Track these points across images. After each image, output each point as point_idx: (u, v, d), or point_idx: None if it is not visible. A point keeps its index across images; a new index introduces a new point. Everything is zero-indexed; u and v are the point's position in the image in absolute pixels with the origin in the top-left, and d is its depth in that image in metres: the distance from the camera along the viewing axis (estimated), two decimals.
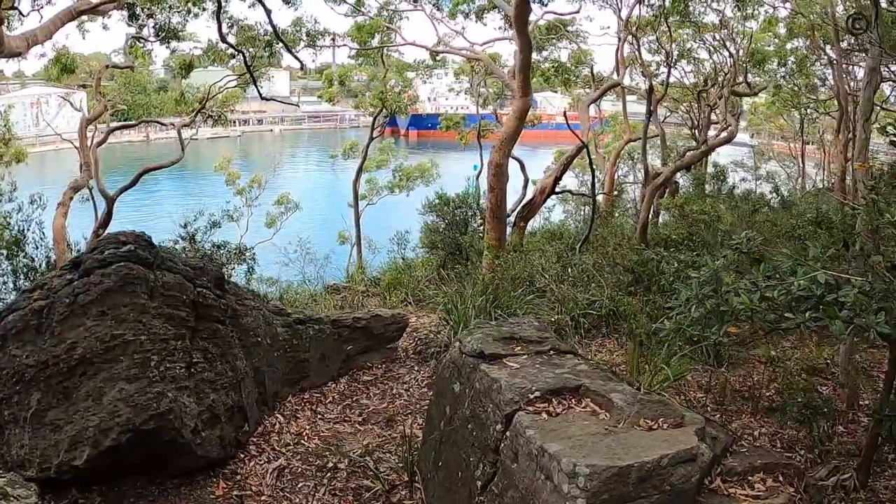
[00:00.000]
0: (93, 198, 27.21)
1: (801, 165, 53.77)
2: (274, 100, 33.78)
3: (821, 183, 54.10)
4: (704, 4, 31.47)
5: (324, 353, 10.35)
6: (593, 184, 22.63)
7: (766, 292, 5.99)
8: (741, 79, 33.51)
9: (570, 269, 15.93)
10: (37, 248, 17.57)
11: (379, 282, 21.63)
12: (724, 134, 29.97)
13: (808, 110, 47.19)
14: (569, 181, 34.05)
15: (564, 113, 21.70)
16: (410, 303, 16.68)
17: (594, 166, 24.51)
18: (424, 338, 12.58)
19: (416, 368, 11.50)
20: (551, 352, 7.32)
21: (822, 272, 5.90)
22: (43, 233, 18.24)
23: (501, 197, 18.58)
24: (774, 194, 33.54)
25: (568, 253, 17.42)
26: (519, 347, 7.33)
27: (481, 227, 22.43)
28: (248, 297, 9.02)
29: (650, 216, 17.29)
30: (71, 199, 22.61)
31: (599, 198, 32.24)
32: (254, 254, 19.34)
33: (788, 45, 37.20)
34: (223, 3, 25.32)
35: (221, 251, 18.60)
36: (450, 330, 11.75)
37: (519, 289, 13.88)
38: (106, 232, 23.40)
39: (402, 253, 25.85)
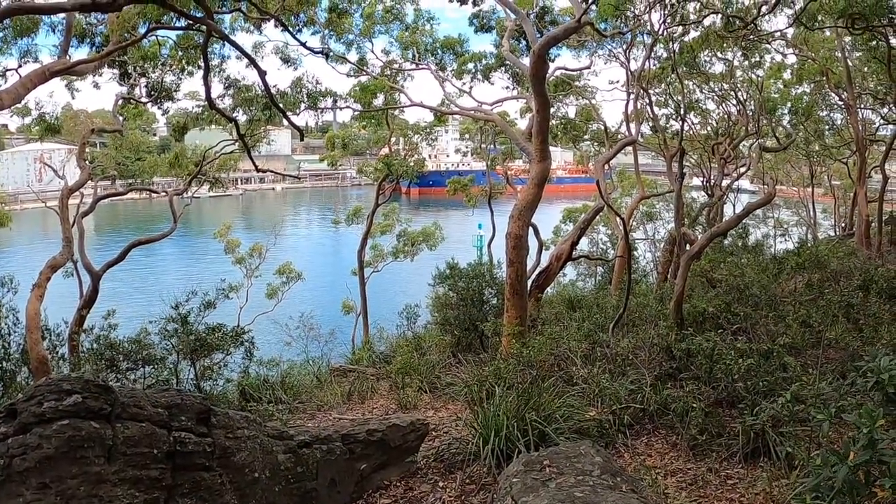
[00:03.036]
0: (77, 273, 25.55)
1: (811, 212, 52.85)
2: (271, 171, 32.55)
3: (831, 230, 53.23)
4: (711, 54, 30.83)
5: (334, 477, 8.76)
6: (629, 258, 21.24)
7: None
8: (753, 128, 32.55)
9: (599, 351, 14.55)
10: (9, 335, 16.24)
11: (388, 359, 20.32)
12: (744, 186, 28.84)
13: (819, 157, 46.58)
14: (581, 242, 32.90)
15: (598, 183, 20.38)
16: (426, 391, 15.30)
17: (627, 228, 23.13)
18: (447, 442, 10.98)
19: (440, 484, 9.84)
20: None
21: None
22: (17, 318, 16.94)
23: (521, 271, 17.36)
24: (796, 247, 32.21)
25: (597, 331, 15.94)
26: None
27: (496, 300, 21.12)
28: (242, 426, 7.46)
29: (684, 289, 15.83)
30: (48, 279, 20.95)
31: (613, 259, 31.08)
32: (252, 337, 17.88)
33: (795, 91, 36.58)
34: (219, 63, 24.43)
35: (216, 334, 17.18)
36: (478, 437, 10.16)
37: (549, 377, 12.46)
38: (90, 311, 22.18)
39: (412, 328, 24.47)
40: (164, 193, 33.51)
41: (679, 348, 13.17)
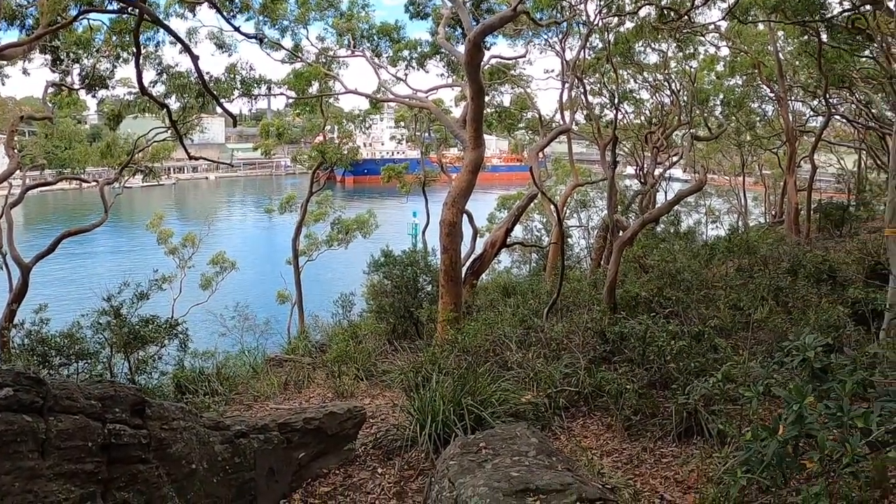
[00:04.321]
0: (6, 266, 24.87)
1: (742, 200, 54.08)
2: (204, 159, 32.02)
3: (762, 217, 54.55)
4: (645, 45, 31.27)
5: (272, 466, 8.71)
6: (562, 244, 21.46)
7: (858, 422, 4.75)
8: (685, 118, 33.18)
9: (533, 336, 14.71)
10: None
11: (324, 348, 20.23)
12: (676, 174, 29.41)
13: (750, 147, 47.65)
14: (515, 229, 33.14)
15: (531, 169, 20.49)
16: (362, 379, 15.30)
17: (559, 214, 23.37)
18: (385, 429, 11.02)
19: (379, 471, 9.86)
20: None
21: None
22: None
23: (456, 258, 17.41)
24: (727, 234, 32.92)
25: (532, 317, 16.12)
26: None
27: (431, 287, 21.18)
28: (177, 417, 7.36)
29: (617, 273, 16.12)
30: None
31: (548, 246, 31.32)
32: (186, 328, 17.61)
33: (727, 83, 37.42)
34: (154, 49, 23.94)
35: (150, 326, 16.88)
36: (415, 422, 10.23)
37: (484, 363, 12.57)
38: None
39: (347, 317, 24.38)
40: (94, 183, 32.74)
41: (612, 332, 13.38)
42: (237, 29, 21.02)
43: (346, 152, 38.86)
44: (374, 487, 9.34)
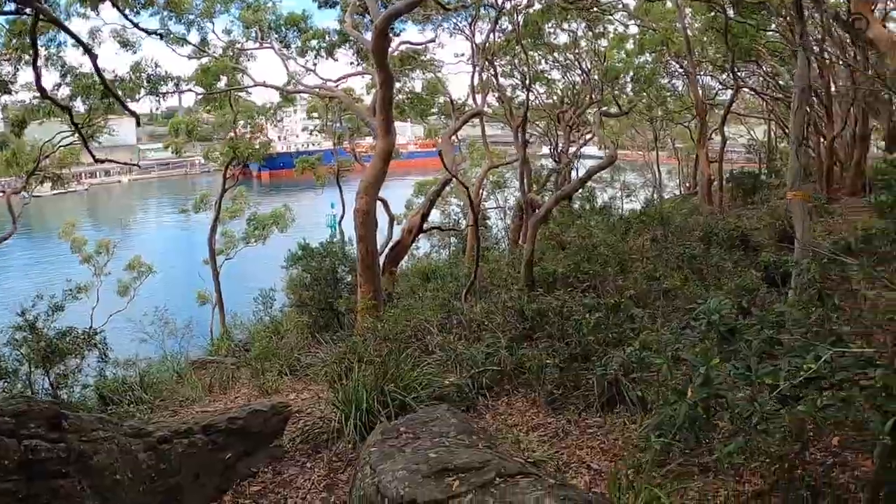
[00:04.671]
0: None
1: (656, 174, 55.06)
2: (111, 161, 31.21)
3: (677, 189, 55.72)
4: (555, 26, 31.57)
5: (198, 471, 8.63)
6: (474, 225, 21.62)
7: (767, 379, 4.96)
8: (597, 96, 33.68)
9: (454, 318, 14.88)
10: None
11: (248, 346, 20.05)
12: (589, 152, 29.88)
13: (661, 121, 48.52)
14: (431, 214, 33.20)
15: (440, 153, 20.57)
16: (286, 374, 15.25)
17: (471, 196, 23.54)
18: (311, 422, 11.02)
19: (308, 465, 9.84)
20: (497, 480, 5.94)
21: (824, 347, 5.03)
22: None
23: (371, 246, 17.44)
24: (642, 207, 33.63)
25: (452, 300, 16.29)
26: (457, 482, 5.89)
27: (351, 278, 21.18)
28: (96, 427, 7.27)
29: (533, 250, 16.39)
30: None
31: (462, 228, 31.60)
32: (105, 338, 17.29)
33: (638, 60, 38.02)
34: (57, 50, 23.26)
35: (68, 338, 16.53)
36: (340, 414, 10.28)
37: (408, 349, 12.68)
38: None
39: (269, 313, 24.18)
40: (0, 194, 31.74)
41: (530, 309, 13.60)
42: (136, 25, 20.66)
43: (258, 147, 38.39)
44: (304, 482, 9.34)
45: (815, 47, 29.83)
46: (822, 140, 34.66)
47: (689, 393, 5.39)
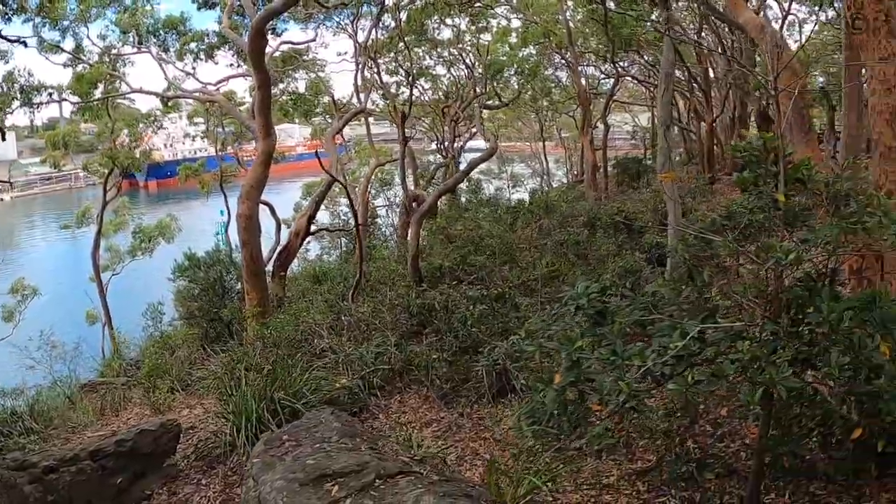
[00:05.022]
0: None
1: (544, 163, 55.82)
2: None
3: (564, 178, 56.68)
4: (439, 21, 31.60)
5: (89, 498, 8.25)
6: (357, 225, 21.41)
7: (634, 360, 4.94)
8: (480, 90, 33.89)
9: (344, 320, 14.69)
10: None
11: (139, 364, 19.39)
12: (470, 146, 30.05)
13: (546, 112, 49.20)
14: (320, 216, 32.81)
15: (317, 153, 20.31)
16: (178, 391, 14.66)
17: (350, 196, 23.30)
18: (205, 437, 10.67)
19: (203, 482, 9.50)
20: (377, 482, 5.82)
21: (690, 323, 5.12)
22: None
23: (256, 252, 17.09)
24: (528, 196, 34.06)
25: (340, 301, 16.09)
26: (336, 487, 5.75)
27: (239, 285, 20.73)
28: None
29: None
30: None
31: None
32: None
33: (522, 53, 38.44)
34: None
35: None
36: (231, 426, 9.98)
37: (297, 353, 12.43)
38: None
39: (158, 328, 23.42)
40: None
41: (415, 305, 13.54)
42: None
43: (138, 156, 37.24)
44: (200, 500, 9.06)
45: (693, 35, 30.79)
46: (702, 124, 35.74)
47: (556, 378, 5.33)
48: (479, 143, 55.36)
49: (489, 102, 35.58)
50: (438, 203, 29.71)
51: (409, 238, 19.70)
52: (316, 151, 20.40)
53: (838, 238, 5.06)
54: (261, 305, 16.84)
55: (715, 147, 35.71)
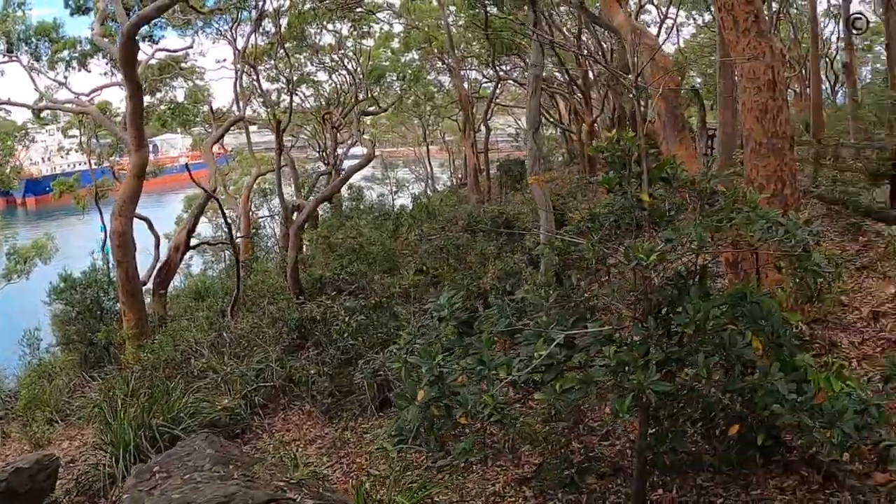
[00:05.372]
0: None
1: (428, 168, 55.88)
2: None
3: (449, 181, 56.92)
4: (321, 27, 31.19)
5: None
6: (231, 237, 20.87)
7: (501, 371, 4.78)
8: (362, 96, 33.64)
9: (226, 336, 14.26)
10: None
11: (18, 396, 18.34)
12: (352, 153, 29.79)
13: (429, 117, 49.31)
14: (203, 228, 31.95)
15: (187, 166, 19.66)
16: (58, 422, 13.95)
17: (224, 209, 22.64)
18: (85, 471, 10.08)
19: None
20: None
21: (556, 329, 5.05)
22: None
23: (132, 270, 16.46)
24: (412, 203, 33.98)
25: (220, 318, 15.61)
26: None
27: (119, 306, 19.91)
28: None
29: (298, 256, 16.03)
30: None
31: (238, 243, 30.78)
32: None
33: (405, 58, 38.36)
34: None
35: None
36: (111, 457, 9.45)
37: (177, 376, 11.96)
38: None
39: (36, 355, 22.19)
40: None
41: (292, 319, 13.25)
42: None
43: (7, 172, 35.48)
44: None
45: (573, 38, 31.28)
46: (583, 125, 36.30)
47: (419, 395, 5.15)
48: (362, 149, 55.13)
49: (368, 108, 35.33)
50: (321, 212, 29.30)
51: (288, 249, 19.35)
52: (187, 164, 19.73)
53: (704, 236, 5.03)
54: (139, 326, 16.21)
55: None
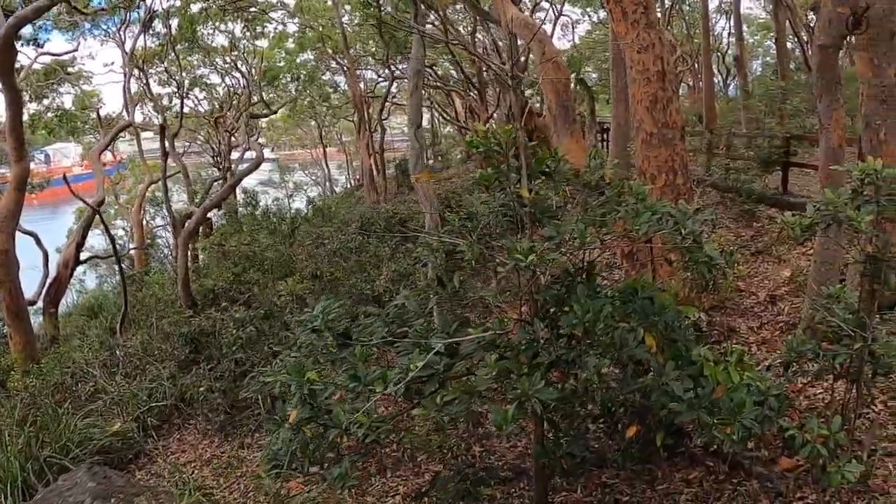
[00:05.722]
0: None
1: (326, 170, 55.27)
2: None
3: (348, 183, 56.42)
4: (213, 27, 30.40)
5: None
6: (115, 250, 20.04)
7: (377, 385, 4.50)
8: (256, 99, 32.97)
9: (118, 354, 13.64)
10: None
11: None
12: (247, 157, 29.13)
13: (325, 117, 48.80)
14: (97, 241, 30.74)
15: (65, 177, 18.82)
16: None
17: (105, 221, 21.72)
18: None
19: None
20: None
21: (437, 337, 4.67)
22: None
23: (15, 290, 15.49)
24: (308, 206, 33.45)
25: (110, 336, 14.93)
26: None
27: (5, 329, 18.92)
28: None
29: (189, 266, 15.46)
30: None
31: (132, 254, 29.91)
32: None
33: (299, 59, 37.82)
34: None
35: None
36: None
37: (67, 400, 11.34)
38: None
39: None
40: None
41: (182, 333, 12.77)
42: None
43: None
44: None
45: (468, 37, 31.28)
46: (478, 121, 36.36)
47: (291, 416, 4.84)
48: (266, 152, 53.95)
49: (256, 111, 34.64)
50: (218, 219, 28.52)
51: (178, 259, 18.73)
52: (64, 175, 18.88)
53: (585, 232, 4.82)
54: (27, 349, 15.32)
55: None
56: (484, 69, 33.14)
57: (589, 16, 41.74)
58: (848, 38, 8.09)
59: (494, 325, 4.84)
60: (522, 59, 23.93)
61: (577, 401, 5.23)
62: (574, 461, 5.56)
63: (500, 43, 32.41)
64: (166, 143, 20.93)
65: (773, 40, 31.53)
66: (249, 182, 41.51)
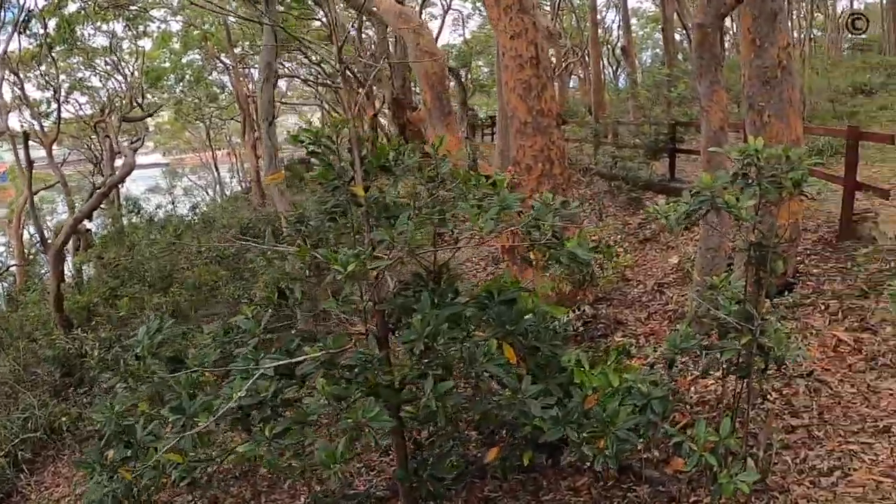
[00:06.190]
0: None
1: (215, 174, 53.95)
2: None
3: (238, 186, 55.10)
4: (94, 28, 29.09)
5: None
6: None
7: (201, 417, 3.97)
8: (139, 101, 31.75)
9: None
10: None
11: None
12: (143, 161, 28.02)
13: (213, 119, 47.65)
14: None
15: None
16: None
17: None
18: None
19: None
20: None
21: (267, 358, 4.15)
22: None
23: None
24: (193, 213, 32.42)
25: None
26: None
27: None
28: None
29: (69, 281, 14.55)
30: None
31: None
32: None
33: (185, 59, 36.64)
34: None
35: None
36: None
37: None
38: None
39: None
40: None
41: (46, 357, 11.95)
42: None
43: None
44: None
45: (353, 30, 30.69)
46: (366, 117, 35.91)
47: (109, 455, 4.28)
48: (155, 156, 52.29)
49: (128, 115, 33.34)
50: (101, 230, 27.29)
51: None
52: None
53: (416, 234, 4.32)
54: None
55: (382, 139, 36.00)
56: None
57: (480, 10, 41.73)
58: (726, 18, 7.99)
59: (329, 343, 4.31)
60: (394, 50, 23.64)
61: (435, 421, 4.76)
62: (441, 483, 5.10)
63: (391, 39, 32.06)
64: (38, 152, 19.82)
65: (661, 30, 32.06)
66: (136, 189, 40.11)
